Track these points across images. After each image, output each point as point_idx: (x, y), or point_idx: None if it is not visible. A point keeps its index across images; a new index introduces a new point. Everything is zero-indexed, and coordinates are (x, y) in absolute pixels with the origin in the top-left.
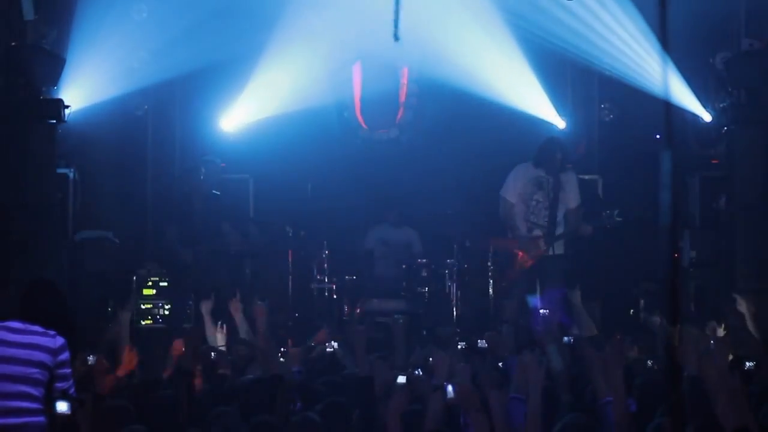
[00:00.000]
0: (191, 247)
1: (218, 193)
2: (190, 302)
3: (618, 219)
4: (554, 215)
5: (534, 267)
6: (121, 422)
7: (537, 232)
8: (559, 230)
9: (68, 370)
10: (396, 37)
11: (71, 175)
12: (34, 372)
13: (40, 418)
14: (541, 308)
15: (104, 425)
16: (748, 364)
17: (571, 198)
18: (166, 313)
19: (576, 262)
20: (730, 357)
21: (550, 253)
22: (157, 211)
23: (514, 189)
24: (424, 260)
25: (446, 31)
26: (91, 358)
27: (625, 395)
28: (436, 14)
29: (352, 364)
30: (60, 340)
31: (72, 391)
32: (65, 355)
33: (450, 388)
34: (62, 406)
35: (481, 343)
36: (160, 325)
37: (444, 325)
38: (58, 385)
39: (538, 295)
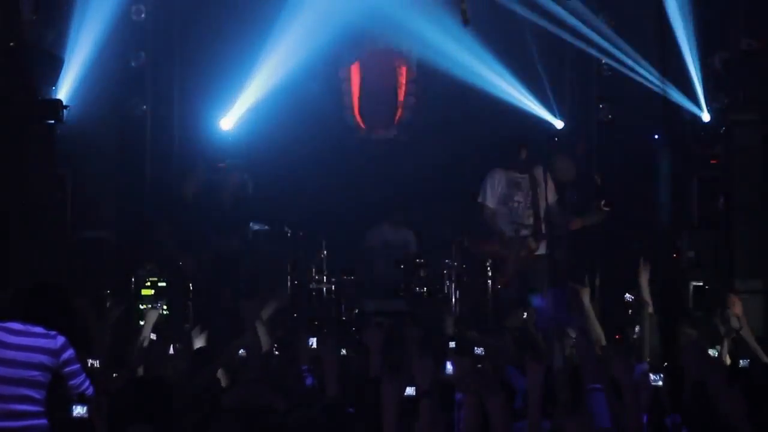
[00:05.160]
0: (190, 248)
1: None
2: (190, 303)
3: (605, 209)
4: (537, 213)
5: (530, 266)
6: (129, 422)
7: (525, 232)
8: (550, 228)
9: (77, 366)
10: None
11: (70, 175)
12: (35, 374)
13: (42, 421)
14: (542, 307)
15: (116, 426)
16: (741, 362)
17: (549, 194)
18: (166, 313)
19: (572, 261)
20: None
21: (541, 251)
22: (158, 210)
23: (493, 194)
24: (423, 260)
25: (446, 29)
26: (93, 362)
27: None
28: (436, 13)
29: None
30: (60, 340)
31: (87, 384)
32: (69, 353)
33: (449, 365)
34: (80, 410)
35: (478, 351)
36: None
37: (443, 326)
38: (72, 382)
39: (537, 295)
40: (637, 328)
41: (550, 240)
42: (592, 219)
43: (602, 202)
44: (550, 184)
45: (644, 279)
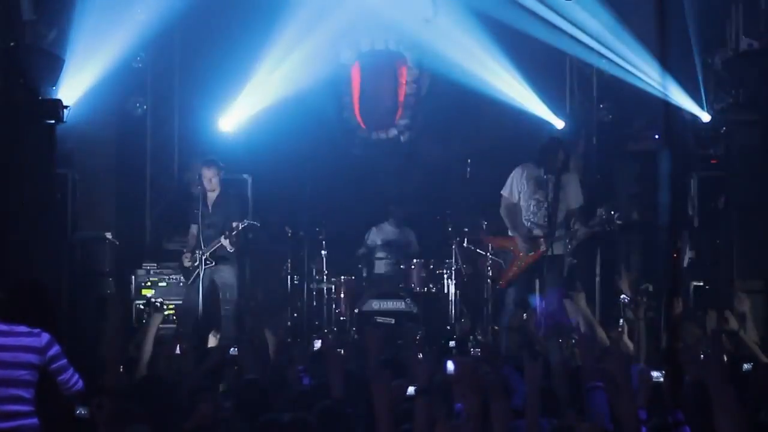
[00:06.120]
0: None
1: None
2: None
3: (618, 222)
4: (554, 215)
5: (533, 267)
6: (129, 422)
7: (537, 232)
8: (560, 231)
9: (63, 361)
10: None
11: (70, 175)
12: (22, 374)
13: (33, 420)
14: (541, 307)
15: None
16: (745, 366)
17: (572, 198)
18: (166, 313)
19: (574, 262)
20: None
21: (549, 253)
22: (165, 211)
23: (515, 188)
24: (423, 260)
25: (446, 30)
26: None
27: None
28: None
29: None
30: (45, 337)
31: (76, 378)
32: (55, 350)
33: (450, 364)
34: (81, 410)
35: (474, 352)
36: (161, 325)
37: (443, 325)
38: (61, 378)
39: (538, 295)
40: (624, 326)
41: (562, 243)
42: (602, 228)
43: (616, 216)
44: (577, 190)
45: (625, 286)
